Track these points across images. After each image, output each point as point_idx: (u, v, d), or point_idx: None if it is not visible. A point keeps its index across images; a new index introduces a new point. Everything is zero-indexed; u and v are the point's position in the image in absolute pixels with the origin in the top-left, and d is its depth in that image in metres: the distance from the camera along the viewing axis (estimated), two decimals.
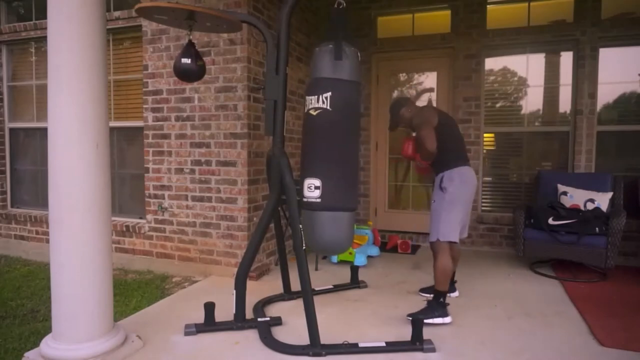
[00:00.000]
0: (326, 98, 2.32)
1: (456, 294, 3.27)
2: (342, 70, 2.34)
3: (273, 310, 2.96)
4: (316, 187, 2.34)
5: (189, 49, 2.61)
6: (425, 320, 2.66)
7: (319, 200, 2.34)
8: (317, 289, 3.28)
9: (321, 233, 2.38)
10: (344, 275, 3.64)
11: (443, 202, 2.81)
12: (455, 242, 2.84)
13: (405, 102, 3.06)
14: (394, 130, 3.15)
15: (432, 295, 2.89)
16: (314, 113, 2.37)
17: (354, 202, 2.44)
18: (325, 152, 2.38)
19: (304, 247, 2.46)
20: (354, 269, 3.52)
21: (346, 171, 2.40)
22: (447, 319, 2.75)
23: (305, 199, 2.39)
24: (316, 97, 2.35)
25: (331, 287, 3.40)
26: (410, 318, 2.60)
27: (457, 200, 2.81)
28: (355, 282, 3.47)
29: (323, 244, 2.41)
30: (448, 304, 2.80)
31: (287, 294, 3.17)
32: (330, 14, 2.45)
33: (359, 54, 2.45)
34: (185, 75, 2.64)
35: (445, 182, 2.82)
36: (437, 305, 2.76)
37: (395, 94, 5.09)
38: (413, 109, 3.01)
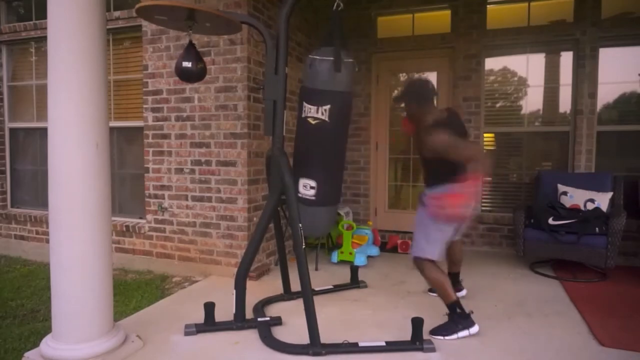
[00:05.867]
0: (325, 110, 2.47)
1: (463, 292, 3.22)
2: (340, 82, 2.48)
3: (273, 311, 2.96)
4: (311, 187, 2.59)
5: (190, 51, 2.61)
6: (449, 337, 2.54)
7: (313, 198, 2.60)
8: (317, 289, 3.28)
9: (317, 223, 2.72)
10: (344, 275, 3.64)
11: (423, 219, 2.62)
12: (432, 260, 2.60)
13: (423, 98, 2.71)
14: (397, 105, 3.13)
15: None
16: (313, 122, 2.52)
17: (339, 197, 2.84)
18: (320, 159, 2.60)
19: (303, 247, 2.47)
20: (354, 269, 3.52)
21: (337, 174, 2.71)
22: (474, 329, 2.57)
23: (299, 195, 2.62)
24: (315, 107, 2.49)
25: (331, 287, 3.40)
26: (433, 336, 2.54)
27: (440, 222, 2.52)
28: (355, 282, 3.48)
29: (312, 228, 2.76)
30: (471, 312, 2.60)
31: (287, 294, 3.17)
32: (329, 16, 2.47)
33: (356, 66, 2.58)
34: (186, 77, 2.66)
35: (429, 201, 2.55)
36: (458, 317, 2.57)
37: (395, 94, 5.09)
38: (423, 111, 2.69)
